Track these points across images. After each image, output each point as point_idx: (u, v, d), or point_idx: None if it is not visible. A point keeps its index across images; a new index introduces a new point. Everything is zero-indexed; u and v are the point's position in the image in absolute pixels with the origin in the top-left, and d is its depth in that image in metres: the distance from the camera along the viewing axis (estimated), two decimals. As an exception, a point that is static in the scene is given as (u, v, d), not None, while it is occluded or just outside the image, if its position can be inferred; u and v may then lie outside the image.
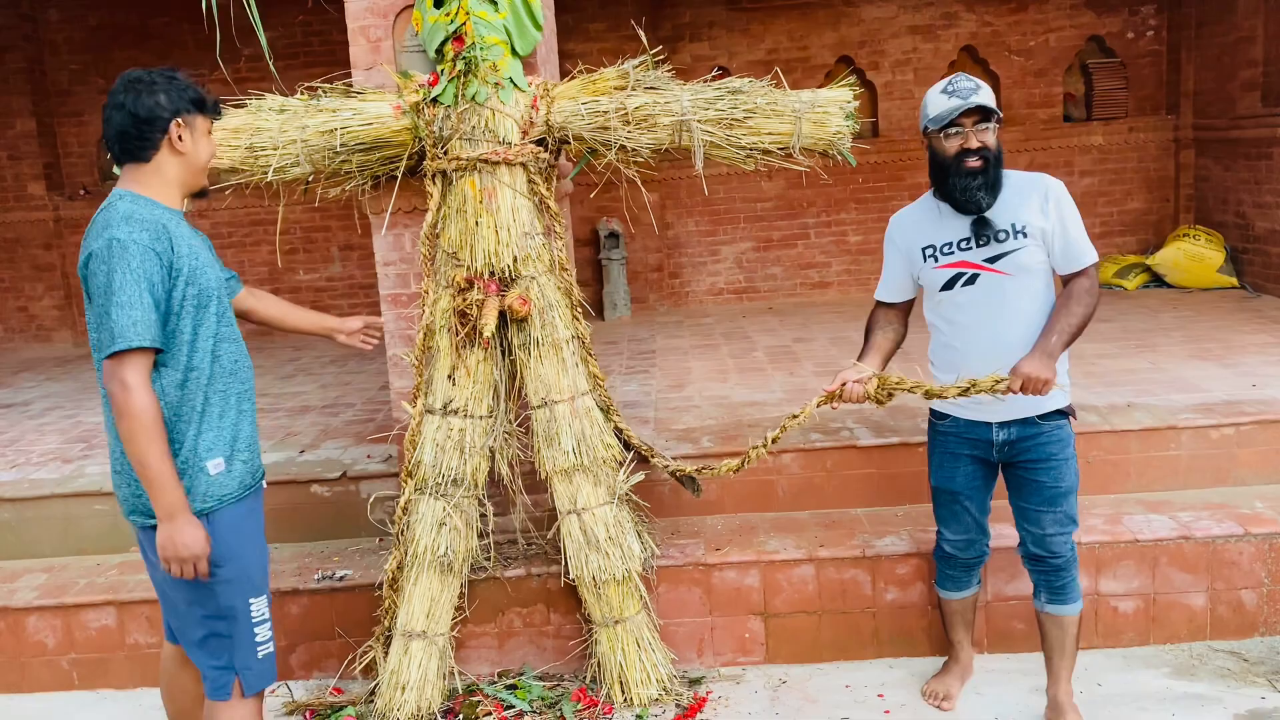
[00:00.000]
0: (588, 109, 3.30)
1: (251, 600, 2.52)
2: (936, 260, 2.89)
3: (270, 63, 3.40)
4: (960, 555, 3.13)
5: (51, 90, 7.74)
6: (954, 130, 2.76)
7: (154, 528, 2.39)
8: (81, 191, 7.76)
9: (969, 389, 2.75)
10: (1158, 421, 3.92)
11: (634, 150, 3.32)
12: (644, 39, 3.44)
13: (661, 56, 3.41)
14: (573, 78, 3.41)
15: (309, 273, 7.80)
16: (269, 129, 3.34)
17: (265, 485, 2.70)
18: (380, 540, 3.94)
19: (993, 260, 2.81)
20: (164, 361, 2.37)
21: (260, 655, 2.55)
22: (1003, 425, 2.91)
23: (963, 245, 2.84)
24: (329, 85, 3.40)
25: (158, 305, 2.30)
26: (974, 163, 2.75)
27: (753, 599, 3.59)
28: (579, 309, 3.48)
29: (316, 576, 3.69)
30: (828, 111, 3.28)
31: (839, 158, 3.35)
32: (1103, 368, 4.83)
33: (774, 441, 3.15)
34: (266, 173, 3.37)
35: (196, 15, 3.21)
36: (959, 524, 3.10)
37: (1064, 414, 2.91)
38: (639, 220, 7.53)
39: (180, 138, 2.43)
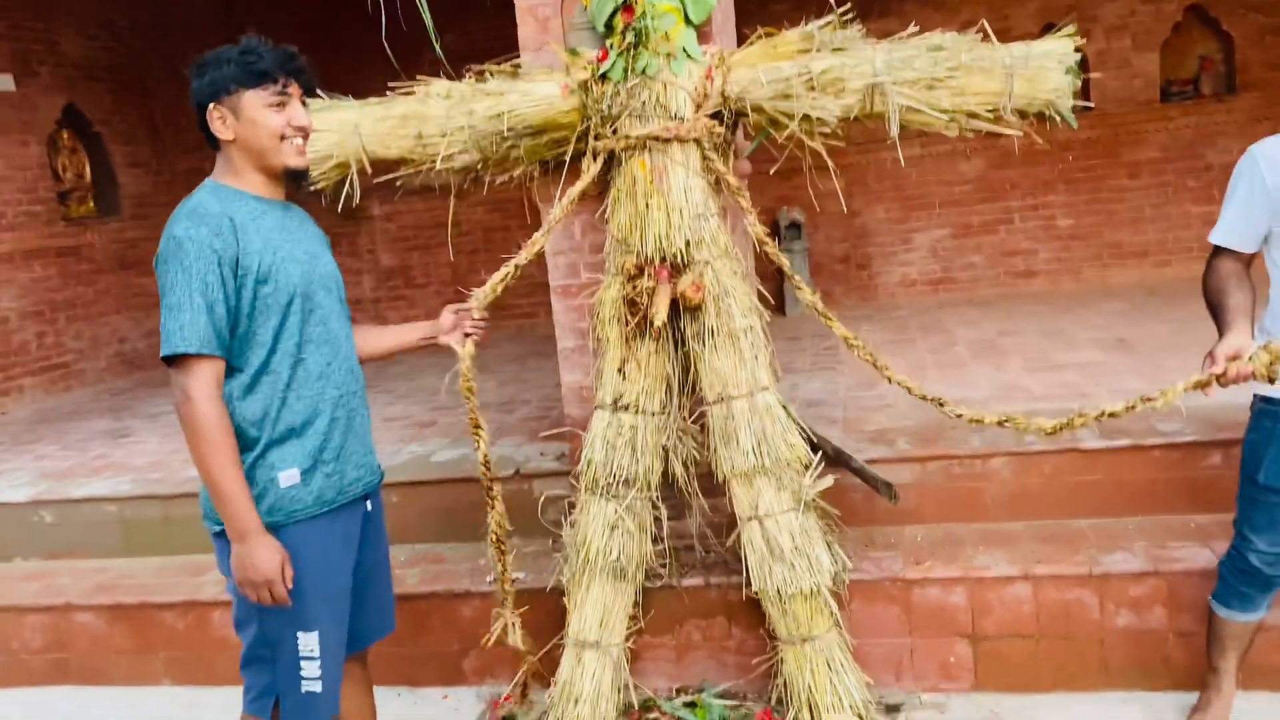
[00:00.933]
0: (768, 76, 3.01)
1: (300, 634, 2.24)
2: None
3: (437, 46, 3.26)
4: (1266, 570, 2.61)
5: (253, 103, 8.10)
6: None
7: (217, 535, 2.24)
8: (310, 188, 8.10)
9: None
10: None
11: (820, 120, 3.01)
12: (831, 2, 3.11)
13: (850, 15, 3.08)
14: (751, 43, 3.13)
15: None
16: (436, 115, 3.23)
17: (371, 506, 2.49)
18: (554, 542, 3.77)
19: None
20: (235, 365, 2.17)
21: (304, 691, 2.27)
22: None
23: None
24: (496, 68, 3.25)
25: (212, 308, 2.08)
26: None
27: (959, 619, 3.20)
28: (795, 280, 3.18)
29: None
30: (1045, 66, 2.86)
31: (1059, 120, 2.92)
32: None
33: (1111, 416, 2.55)
34: (434, 163, 3.26)
35: (379, 19, 3.14)
36: (1278, 533, 2.58)
37: None
38: (823, 209, 7.15)
39: (223, 121, 2.21)
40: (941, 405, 2.99)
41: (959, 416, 2.92)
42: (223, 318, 2.10)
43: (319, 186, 3.45)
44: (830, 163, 3.21)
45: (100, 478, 4.53)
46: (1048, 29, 7.04)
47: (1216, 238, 2.54)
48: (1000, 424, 2.80)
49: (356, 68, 7.43)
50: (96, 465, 4.78)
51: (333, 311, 2.35)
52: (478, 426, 2.94)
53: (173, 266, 2.08)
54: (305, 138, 2.31)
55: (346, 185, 3.36)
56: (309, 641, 2.25)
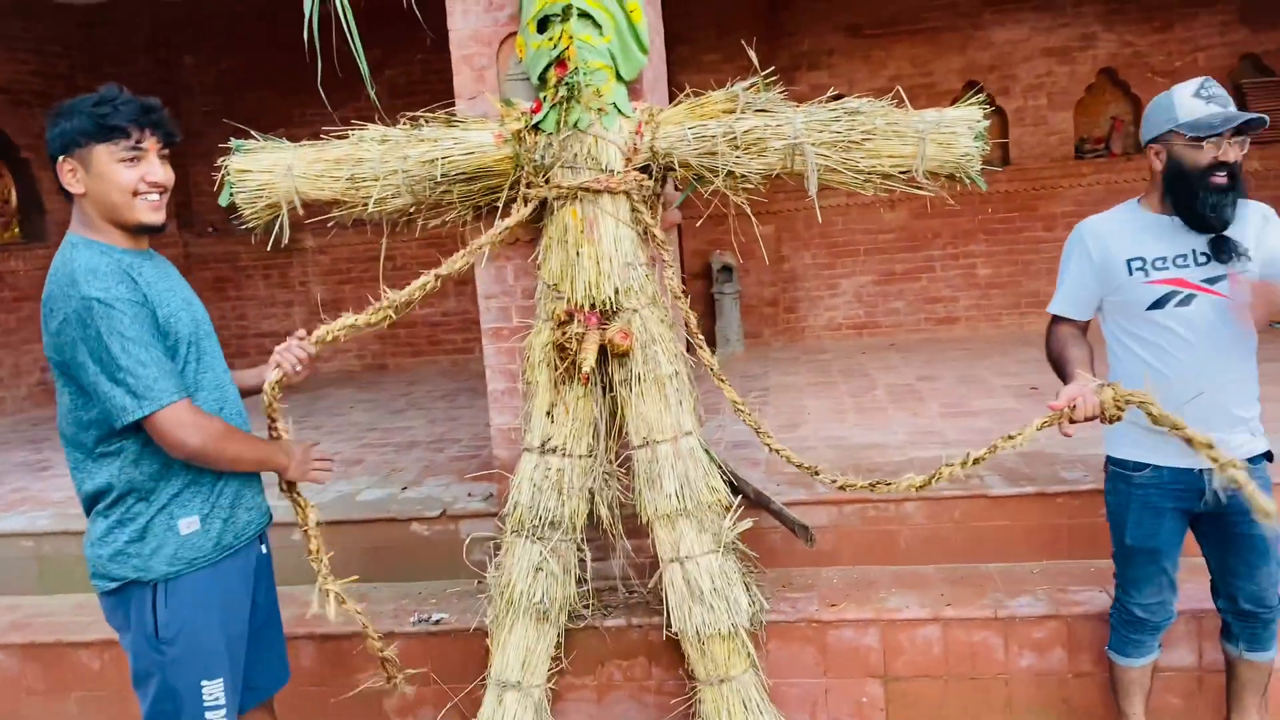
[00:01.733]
0: (694, 134, 3.13)
1: (204, 683, 2.23)
2: (1147, 274, 2.59)
3: (371, 91, 3.34)
4: (1151, 619, 2.77)
5: (185, 131, 8.02)
6: (1211, 140, 2.48)
7: (108, 594, 2.24)
8: (210, 230, 8.03)
9: (1208, 447, 2.33)
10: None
11: (743, 177, 3.13)
12: (755, 61, 3.25)
13: (774, 79, 3.22)
14: (679, 102, 3.25)
15: (424, 307, 7.81)
16: (370, 159, 3.28)
17: (266, 549, 2.50)
18: (479, 583, 3.79)
19: (1213, 281, 2.53)
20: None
21: None
22: (1214, 471, 2.51)
23: (1179, 261, 2.56)
24: (431, 115, 3.32)
25: (161, 354, 2.11)
26: (1221, 178, 2.48)
27: (871, 660, 3.30)
28: (699, 338, 3.28)
29: (412, 619, 3.57)
30: (955, 132, 3.02)
31: (968, 182, 3.08)
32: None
33: (976, 463, 2.63)
34: (367, 204, 3.31)
35: (323, 55, 3.17)
36: (1153, 585, 2.73)
37: (1268, 457, 2.65)
38: (753, 253, 7.31)
39: (73, 174, 2.14)
40: (816, 474, 3.14)
41: (833, 483, 3.06)
42: (171, 366, 2.14)
43: (250, 225, 3.48)
44: (754, 219, 3.35)
45: (16, 512, 4.44)
46: (970, 86, 7.38)
47: (1054, 308, 2.78)
48: (871, 487, 2.93)
49: (295, 95, 7.44)
50: (13, 499, 4.68)
51: (216, 356, 2.35)
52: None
53: (106, 329, 2.04)
54: (163, 193, 2.23)
55: (278, 225, 3.38)
56: (214, 690, 2.25)
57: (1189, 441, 2.35)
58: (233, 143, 3.45)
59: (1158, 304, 2.57)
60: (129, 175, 2.14)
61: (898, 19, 7.33)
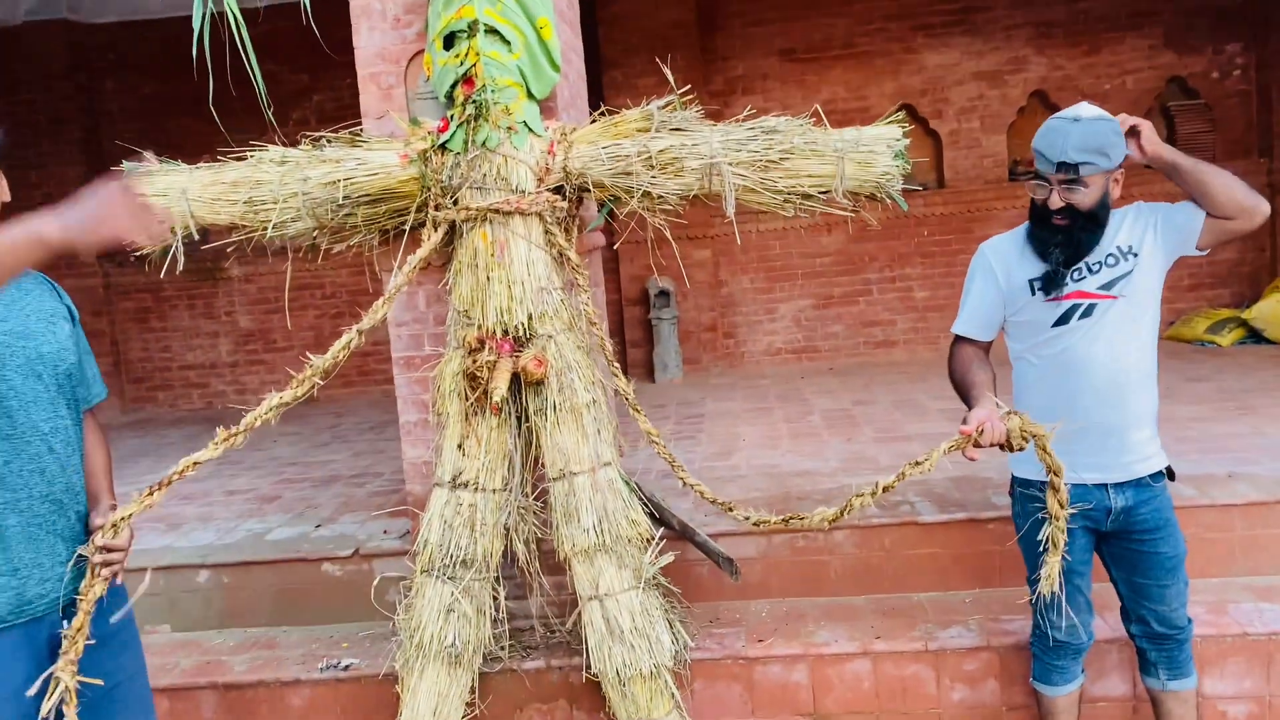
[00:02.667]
0: (608, 153, 3.02)
1: None
2: (1049, 293, 2.55)
3: (267, 113, 3.18)
4: (1070, 641, 2.68)
5: (107, 159, 7.79)
6: (1041, 182, 2.50)
7: None
8: (132, 258, 7.76)
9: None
10: (1264, 494, 3.44)
11: (660, 197, 3.02)
12: (671, 79, 3.15)
13: (691, 98, 3.12)
14: (594, 120, 3.14)
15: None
16: (269, 181, 3.13)
17: (61, 630, 2.03)
18: (394, 625, 3.61)
19: (1108, 286, 2.52)
20: None
21: None
22: (1119, 488, 2.56)
23: (1075, 276, 2.53)
24: (334, 135, 3.18)
25: None
26: (1059, 220, 2.47)
27: (800, 698, 3.17)
28: (614, 366, 3.16)
29: (321, 665, 3.38)
30: (874, 150, 2.94)
31: (889, 201, 3.00)
32: (1198, 433, 4.33)
33: (885, 491, 2.54)
34: (267, 228, 3.15)
35: (245, 80, 3.00)
36: (1070, 606, 2.65)
37: (1169, 475, 2.62)
38: (692, 278, 7.24)
39: None
40: (730, 510, 3.04)
41: (745, 519, 2.96)
42: None
43: (143, 252, 3.30)
44: (673, 242, 3.24)
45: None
46: (904, 108, 7.39)
47: (957, 328, 2.72)
48: (785, 522, 2.82)
49: (221, 122, 7.24)
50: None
51: (25, 402, 2.01)
52: None
53: None
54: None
55: (172, 252, 3.20)
56: None
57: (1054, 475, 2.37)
58: (125, 165, 3.27)
59: (1062, 319, 2.55)
60: None
61: (830, 43, 7.33)
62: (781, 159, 2.96)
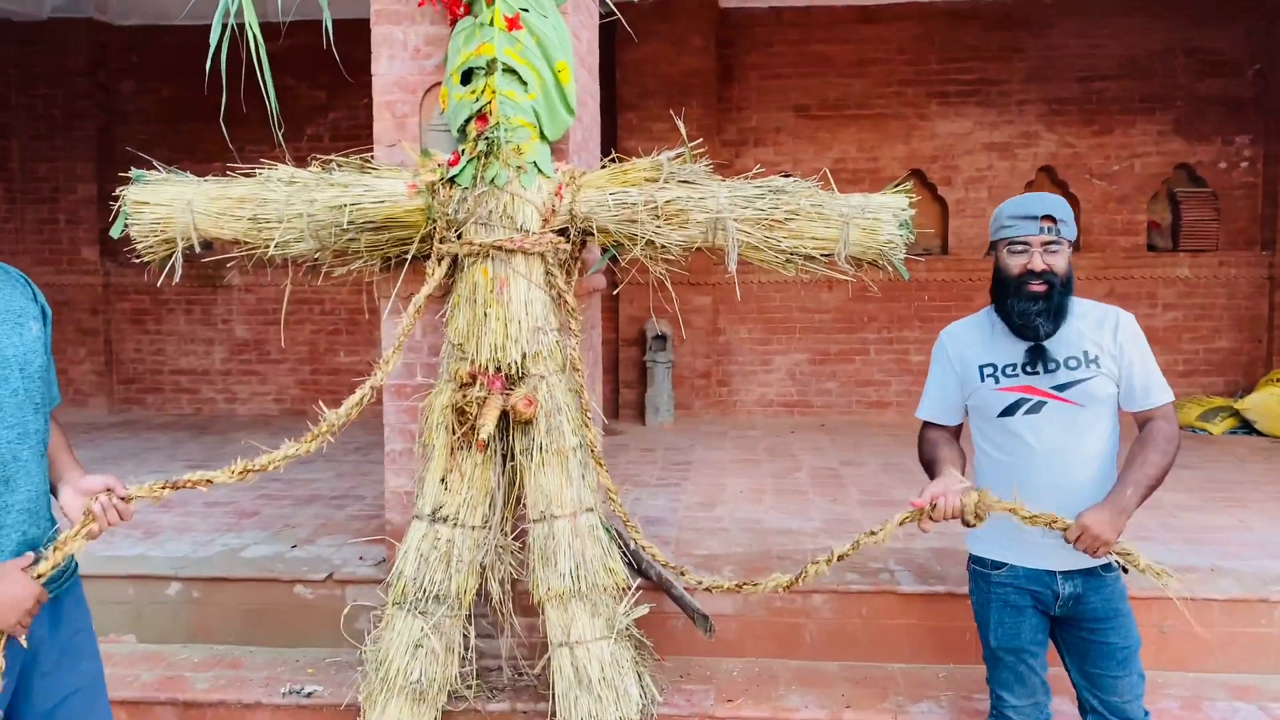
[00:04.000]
0: (615, 200, 3.03)
1: None
2: (997, 381, 2.57)
3: (277, 133, 3.18)
4: None
5: (118, 158, 7.82)
6: (1020, 247, 2.50)
7: None
8: (134, 259, 7.76)
9: (1049, 523, 2.37)
10: (1246, 591, 3.42)
11: (664, 247, 3.03)
12: (683, 131, 3.18)
13: (701, 151, 3.14)
14: (604, 165, 3.15)
15: (350, 355, 7.64)
16: (275, 200, 3.13)
17: (24, 642, 1.97)
18: (361, 654, 3.57)
19: (1062, 389, 2.51)
20: None
21: None
22: (1067, 576, 2.54)
23: (1028, 369, 2.54)
24: (344, 159, 3.19)
25: None
26: (1037, 286, 2.47)
27: (764, 762, 3.13)
28: (588, 414, 3.16)
29: (284, 690, 3.33)
30: (879, 218, 2.96)
31: (891, 269, 3.02)
32: (1183, 522, 4.32)
33: (840, 559, 2.60)
34: (269, 246, 3.15)
35: (260, 92, 3.01)
36: (1025, 686, 2.63)
37: (1119, 567, 2.59)
38: (690, 323, 7.24)
39: None
40: (683, 574, 3.05)
41: (699, 583, 2.99)
42: None
43: (145, 259, 3.30)
44: (672, 290, 3.24)
45: None
46: (914, 173, 7.45)
47: (921, 413, 2.74)
48: (739, 588, 2.85)
49: (235, 130, 7.27)
50: None
51: None
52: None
53: None
54: None
55: (171, 261, 3.20)
56: None
57: (1053, 525, 2.36)
58: (134, 173, 3.28)
59: (1008, 411, 2.55)
60: None
61: (846, 102, 7.39)
62: (787, 219, 2.97)
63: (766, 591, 2.68)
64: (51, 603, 2.04)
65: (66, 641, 2.10)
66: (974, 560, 2.70)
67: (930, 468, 2.60)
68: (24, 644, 1.96)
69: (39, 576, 1.97)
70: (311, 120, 7.56)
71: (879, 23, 7.33)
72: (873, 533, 2.49)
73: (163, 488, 2.28)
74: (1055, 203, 2.51)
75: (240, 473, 2.50)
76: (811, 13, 7.33)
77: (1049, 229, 2.47)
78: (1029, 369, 2.54)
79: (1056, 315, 2.49)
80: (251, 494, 4.96)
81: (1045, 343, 2.51)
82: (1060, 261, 2.48)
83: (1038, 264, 2.46)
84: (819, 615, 3.49)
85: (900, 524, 2.43)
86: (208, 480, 2.42)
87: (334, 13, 3.11)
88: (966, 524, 2.38)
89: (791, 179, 3.03)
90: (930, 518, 2.37)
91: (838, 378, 7.46)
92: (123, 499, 2.09)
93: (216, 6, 3.07)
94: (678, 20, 7.12)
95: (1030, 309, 2.47)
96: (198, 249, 3.22)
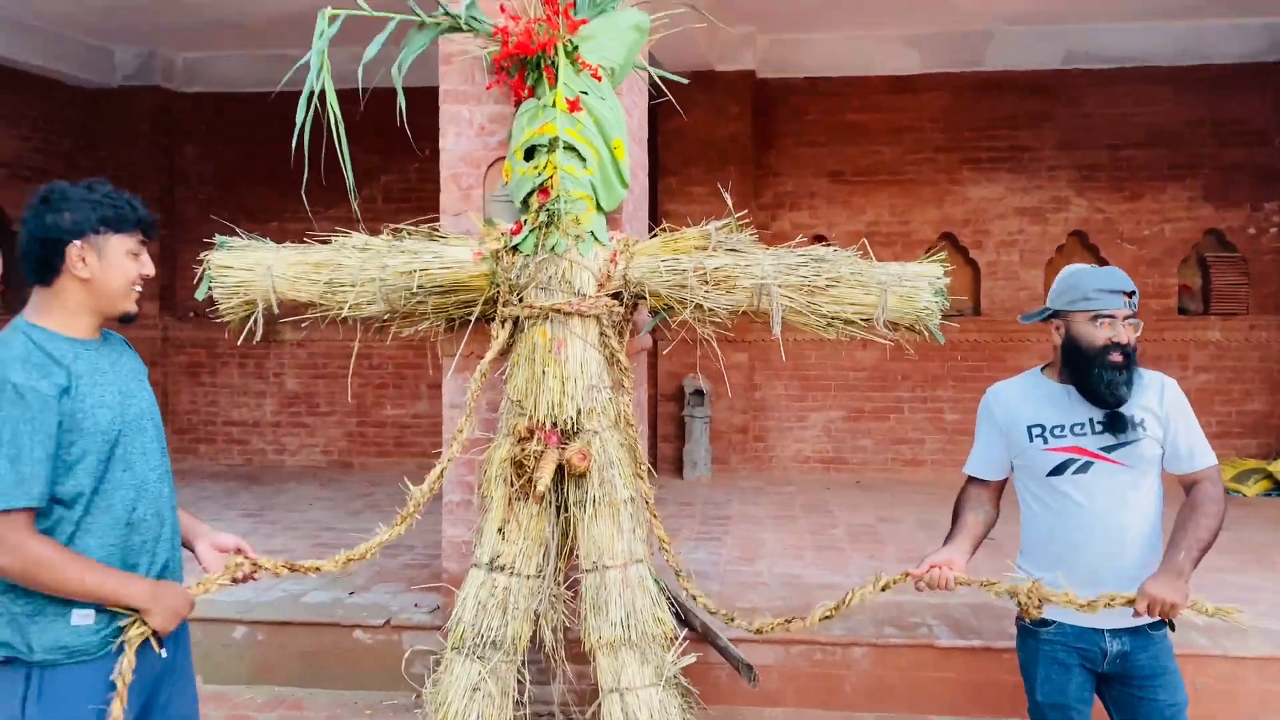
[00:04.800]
0: (667, 267, 3.22)
1: None
2: (1046, 442, 2.67)
3: (354, 204, 3.41)
4: None
5: (178, 218, 8.18)
6: (1105, 320, 2.59)
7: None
8: (190, 315, 8.08)
9: (1090, 604, 2.47)
10: (1278, 650, 3.50)
11: (711, 310, 3.22)
12: (729, 202, 3.38)
13: (746, 221, 3.34)
14: (655, 235, 3.36)
15: (396, 408, 7.86)
16: (350, 266, 3.35)
17: (164, 653, 2.21)
18: (417, 697, 3.72)
19: (1110, 450, 2.61)
20: (55, 504, 2.10)
21: None
22: (1115, 634, 2.61)
23: (1077, 430, 2.64)
24: (413, 228, 3.42)
25: (43, 458, 2.04)
26: (1117, 357, 2.58)
27: (807, 809, 3.23)
28: (643, 468, 3.32)
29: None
30: (916, 286, 3.14)
31: (926, 334, 3.19)
32: (1215, 581, 4.38)
33: (826, 618, 2.87)
34: (342, 309, 3.37)
35: (316, 158, 3.23)
36: None
37: (1168, 623, 2.64)
38: (728, 379, 7.41)
39: (83, 261, 2.14)
40: (731, 620, 3.24)
41: (749, 626, 3.22)
42: (42, 470, 2.05)
43: (225, 320, 3.53)
44: (717, 349, 3.43)
45: None
46: (945, 236, 7.61)
47: (967, 468, 2.88)
48: (788, 623, 3.13)
49: (288, 192, 7.58)
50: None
51: (145, 452, 2.24)
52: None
53: (7, 414, 2.02)
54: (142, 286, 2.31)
55: (251, 321, 3.43)
56: None
57: (1113, 604, 2.47)
58: (218, 239, 3.52)
59: (1057, 470, 2.65)
60: (132, 268, 2.21)
61: (879, 169, 7.61)
62: (828, 286, 3.15)
63: (815, 623, 2.86)
64: (171, 639, 2.25)
65: (179, 677, 2.32)
66: (1021, 618, 2.79)
67: (951, 527, 2.76)
68: (161, 652, 2.19)
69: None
70: (365, 183, 7.88)
71: (911, 92, 7.57)
72: (861, 589, 2.83)
73: (283, 566, 2.62)
74: (1129, 280, 2.63)
75: (345, 561, 2.84)
76: (846, 83, 7.59)
77: (1130, 304, 2.59)
78: (1079, 430, 2.63)
79: (1131, 383, 2.59)
80: (307, 542, 5.15)
81: (1102, 407, 2.60)
82: (1135, 335, 2.60)
83: (1124, 337, 2.57)
84: (858, 667, 3.61)
85: (885, 587, 2.80)
86: (317, 567, 2.79)
87: (385, 82, 3.35)
88: (1026, 615, 2.53)
89: (832, 248, 3.21)
90: (916, 585, 2.63)
91: (872, 435, 7.59)
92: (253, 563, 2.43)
93: (280, 76, 3.31)
94: (717, 90, 7.39)
95: (1117, 379, 2.56)
96: (276, 311, 3.45)
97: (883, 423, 7.59)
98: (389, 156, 7.77)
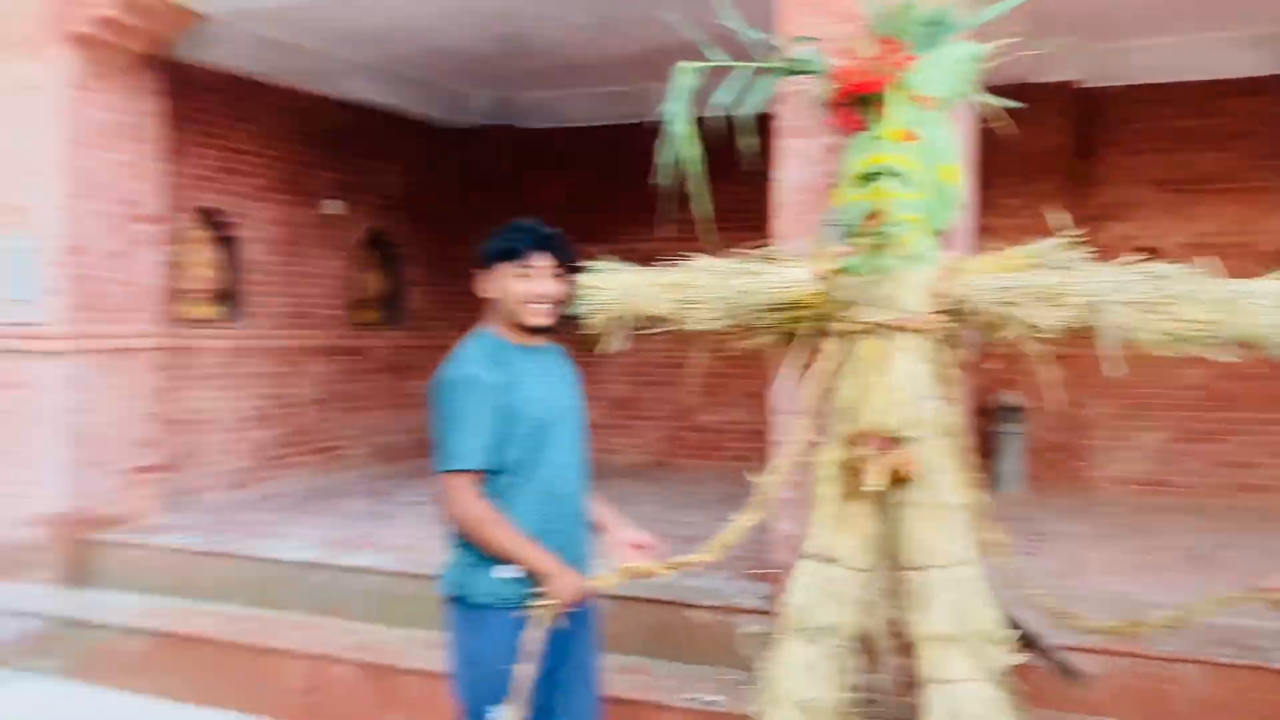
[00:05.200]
0: (994, 284, 3.39)
1: (490, 709, 2.67)
2: None
3: (709, 231, 3.85)
4: None
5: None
6: None
7: (446, 601, 2.77)
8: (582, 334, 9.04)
9: None
10: None
11: (1036, 327, 3.35)
12: (1051, 220, 3.48)
13: (1079, 236, 3.43)
14: (984, 253, 3.53)
15: (709, 414, 8.39)
16: (699, 285, 3.80)
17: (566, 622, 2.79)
18: (748, 673, 4.09)
19: None
20: (494, 473, 2.72)
21: None
22: None
23: None
24: (754, 251, 3.81)
25: (483, 434, 2.67)
26: None
27: (1133, 818, 3.27)
28: (971, 476, 3.50)
29: (686, 697, 3.92)
30: (1259, 304, 3.11)
31: (1270, 354, 3.15)
32: None
33: (1193, 614, 2.91)
34: (691, 323, 3.82)
35: (642, 184, 3.71)
36: None
37: None
38: (1043, 396, 7.28)
39: (481, 284, 2.85)
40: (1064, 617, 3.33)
41: (1091, 627, 3.31)
42: (489, 442, 2.68)
43: (587, 333, 4.09)
44: (1038, 367, 3.53)
45: (363, 551, 5.26)
46: (1293, 247, 7.05)
47: None
48: (1135, 626, 3.20)
49: (612, 217, 8.29)
50: (360, 541, 5.53)
51: (569, 442, 2.86)
52: None
53: (460, 397, 2.68)
54: (555, 304, 2.94)
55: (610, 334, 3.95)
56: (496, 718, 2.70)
57: None
58: (590, 264, 4.08)
59: None
60: (519, 288, 2.85)
61: (1213, 176, 7.19)
62: (1166, 303, 3.19)
63: (1157, 628, 3.00)
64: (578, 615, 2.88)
65: (587, 627, 2.96)
66: None
67: None
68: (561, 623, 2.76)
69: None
70: (683, 207, 8.47)
71: (1245, 95, 7.10)
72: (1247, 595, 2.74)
73: (669, 565, 3.19)
74: None
75: (719, 549, 3.35)
76: (1175, 88, 7.24)
77: None
78: None
79: None
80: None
81: None
82: None
83: None
84: (1186, 683, 3.58)
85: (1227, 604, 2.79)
86: (701, 560, 3.30)
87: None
88: None
89: (1171, 265, 3.24)
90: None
91: (1203, 458, 7.16)
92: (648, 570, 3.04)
93: (616, 111, 3.79)
94: (1034, 102, 7.29)
95: None
96: (634, 326, 3.95)
97: (1215, 445, 7.15)
98: (715, 179, 8.29)
